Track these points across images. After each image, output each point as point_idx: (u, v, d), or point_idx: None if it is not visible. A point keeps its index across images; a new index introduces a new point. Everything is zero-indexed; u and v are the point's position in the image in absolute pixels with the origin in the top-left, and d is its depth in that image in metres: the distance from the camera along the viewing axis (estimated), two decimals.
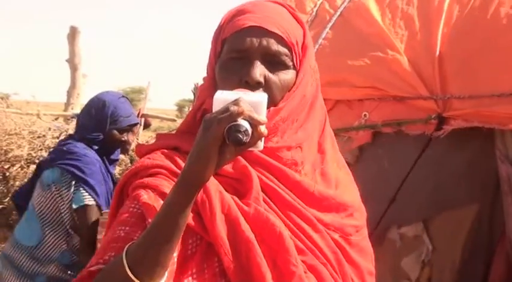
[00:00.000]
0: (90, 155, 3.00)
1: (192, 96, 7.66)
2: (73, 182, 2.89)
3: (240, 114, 1.02)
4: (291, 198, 1.23)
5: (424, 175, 2.82)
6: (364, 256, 1.34)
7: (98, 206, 2.89)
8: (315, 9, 3.42)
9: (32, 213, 3.01)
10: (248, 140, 1.03)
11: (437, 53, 2.82)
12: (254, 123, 1.04)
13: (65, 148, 3.06)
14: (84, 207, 2.87)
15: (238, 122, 1.02)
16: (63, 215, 2.91)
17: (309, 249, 1.21)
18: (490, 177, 2.67)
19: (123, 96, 3.18)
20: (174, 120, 9.77)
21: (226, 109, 1.03)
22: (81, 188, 2.87)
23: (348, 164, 1.50)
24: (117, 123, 3.04)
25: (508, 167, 2.59)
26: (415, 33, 2.97)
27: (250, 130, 1.03)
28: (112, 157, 3.17)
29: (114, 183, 3.18)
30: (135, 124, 3.16)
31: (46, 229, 2.95)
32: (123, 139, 3.08)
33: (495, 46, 2.70)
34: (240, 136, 1.01)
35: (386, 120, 2.95)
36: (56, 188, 2.92)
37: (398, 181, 2.84)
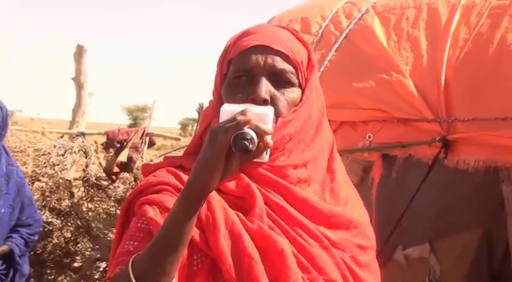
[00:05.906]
0: None
1: (196, 115, 7.66)
2: None
3: (246, 123, 1.04)
4: (298, 214, 1.23)
5: (430, 198, 2.81)
6: (372, 276, 1.32)
7: None
8: (320, 31, 3.44)
9: None
10: (254, 149, 1.04)
11: (443, 75, 2.83)
12: (260, 133, 1.05)
13: None
14: None
15: (244, 130, 1.04)
16: None
17: (314, 266, 1.19)
18: (495, 199, 2.66)
19: None
20: (179, 139, 9.74)
21: (233, 119, 1.05)
22: None
23: (353, 184, 1.50)
24: None
25: (510, 187, 2.59)
26: (420, 56, 2.99)
27: (256, 139, 1.04)
28: None
29: None
30: None
31: None
32: None
33: (501, 71, 2.72)
34: (246, 143, 1.03)
35: (390, 142, 2.95)
36: None
37: (404, 203, 2.83)
